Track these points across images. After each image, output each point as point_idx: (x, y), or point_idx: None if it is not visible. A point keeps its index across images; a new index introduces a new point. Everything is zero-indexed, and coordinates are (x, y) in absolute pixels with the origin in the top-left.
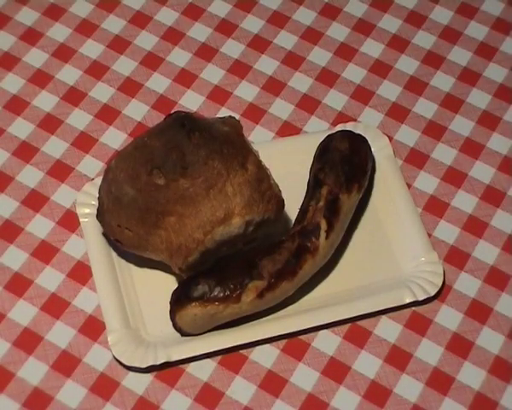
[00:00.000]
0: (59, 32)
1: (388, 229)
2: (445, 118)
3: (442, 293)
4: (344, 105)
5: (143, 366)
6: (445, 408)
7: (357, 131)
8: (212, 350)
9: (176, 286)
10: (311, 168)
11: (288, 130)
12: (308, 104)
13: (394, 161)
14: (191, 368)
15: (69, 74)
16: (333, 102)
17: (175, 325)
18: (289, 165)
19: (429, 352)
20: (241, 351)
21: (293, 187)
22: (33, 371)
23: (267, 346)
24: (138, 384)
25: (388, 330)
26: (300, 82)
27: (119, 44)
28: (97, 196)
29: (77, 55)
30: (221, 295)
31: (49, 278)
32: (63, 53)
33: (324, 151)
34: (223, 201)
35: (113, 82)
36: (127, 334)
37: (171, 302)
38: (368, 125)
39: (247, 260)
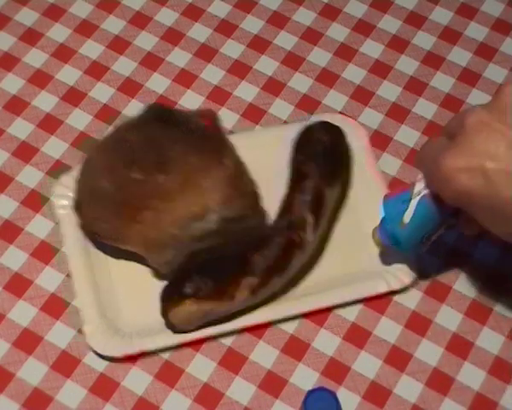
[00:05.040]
0: (59, 33)
1: (366, 220)
2: (445, 118)
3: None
4: (344, 105)
5: (119, 355)
6: (445, 409)
7: (335, 122)
8: (188, 339)
9: (151, 278)
10: (290, 159)
11: None
12: (308, 105)
13: (371, 152)
14: (191, 368)
15: (69, 75)
16: (333, 102)
17: (168, 323)
18: (266, 156)
19: (429, 352)
20: (240, 352)
21: (270, 178)
22: (33, 371)
23: (267, 346)
24: (138, 385)
25: (388, 330)
26: (300, 82)
27: (118, 45)
28: (74, 187)
29: (77, 56)
30: (215, 292)
31: (49, 279)
32: (63, 53)
33: (305, 143)
34: (199, 196)
35: (113, 82)
36: (103, 324)
37: (162, 300)
38: (345, 116)
39: (239, 256)
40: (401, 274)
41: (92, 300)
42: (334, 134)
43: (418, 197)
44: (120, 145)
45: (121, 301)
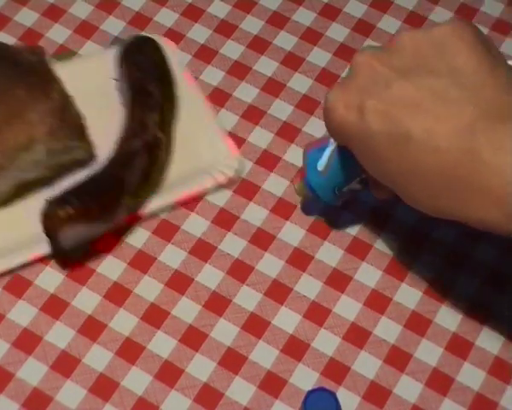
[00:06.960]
0: (58, 33)
1: (188, 128)
2: None
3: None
4: None
5: None
6: (445, 409)
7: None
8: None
9: None
10: (126, 76)
11: (287, 131)
12: (308, 105)
13: (182, 64)
14: (191, 368)
15: None
16: None
17: (52, 243)
18: (93, 82)
19: (429, 352)
20: (240, 351)
21: (98, 107)
22: (33, 371)
23: (267, 346)
24: (138, 385)
25: (388, 330)
26: (300, 83)
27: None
28: None
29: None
30: (95, 210)
31: (49, 279)
32: None
33: (140, 60)
34: (26, 128)
35: None
36: None
37: (44, 217)
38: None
39: (113, 176)
40: (225, 168)
41: None
42: (159, 50)
43: (332, 147)
44: None
45: None
